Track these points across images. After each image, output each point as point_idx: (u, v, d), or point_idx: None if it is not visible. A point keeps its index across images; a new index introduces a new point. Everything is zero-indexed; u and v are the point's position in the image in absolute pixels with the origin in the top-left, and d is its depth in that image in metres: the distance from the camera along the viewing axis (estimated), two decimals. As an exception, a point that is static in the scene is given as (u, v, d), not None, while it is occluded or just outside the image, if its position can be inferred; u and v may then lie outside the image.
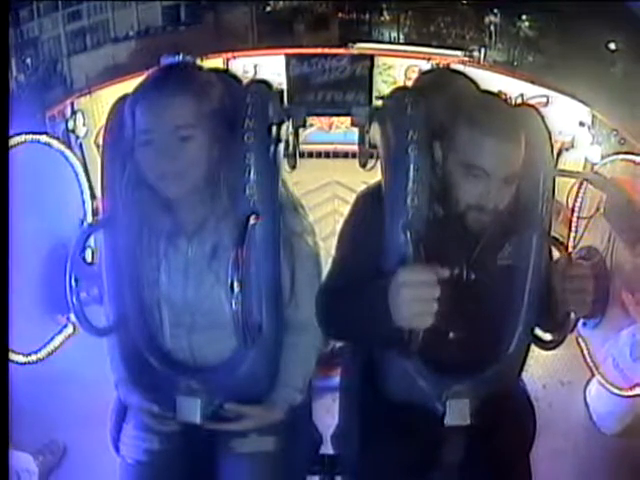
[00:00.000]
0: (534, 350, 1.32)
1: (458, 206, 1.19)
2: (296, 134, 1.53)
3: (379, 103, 1.40)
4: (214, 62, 3.80)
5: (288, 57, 1.47)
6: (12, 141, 1.74)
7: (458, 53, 3.76)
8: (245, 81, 1.28)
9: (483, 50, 3.85)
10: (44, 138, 1.88)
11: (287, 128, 1.39)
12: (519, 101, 3.46)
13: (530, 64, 3.67)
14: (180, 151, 1.12)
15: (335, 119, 3.72)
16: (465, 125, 1.17)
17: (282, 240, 1.21)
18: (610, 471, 1.95)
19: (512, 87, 3.52)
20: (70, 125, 3.16)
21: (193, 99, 1.13)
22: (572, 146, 3.37)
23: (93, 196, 1.94)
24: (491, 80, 3.55)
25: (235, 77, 1.32)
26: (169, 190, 1.15)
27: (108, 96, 3.35)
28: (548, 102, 3.38)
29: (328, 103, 1.49)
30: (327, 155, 3.84)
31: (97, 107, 3.36)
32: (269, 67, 3.82)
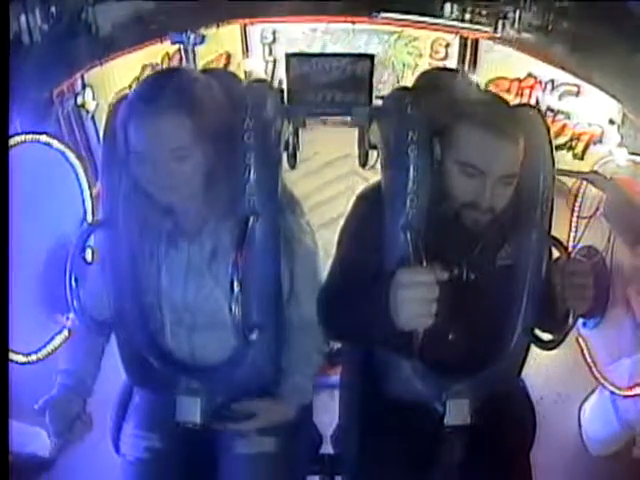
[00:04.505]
0: (535, 359, 1.32)
1: (454, 205, 1.19)
2: (296, 134, 1.54)
3: (379, 103, 1.40)
4: (232, 28, 3.72)
5: (288, 57, 1.47)
6: (12, 141, 1.74)
7: (487, 29, 3.65)
8: (244, 80, 1.28)
9: (517, 12, 3.70)
10: (44, 138, 1.87)
11: (287, 128, 1.39)
12: (549, 87, 3.37)
13: (565, 31, 3.48)
14: (177, 169, 1.11)
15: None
16: (463, 123, 1.17)
17: (282, 238, 1.21)
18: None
19: (543, 71, 3.40)
20: (79, 100, 3.14)
21: (189, 119, 1.08)
22: (600, 141, 3.29)
23: (94, 195, 1.94)
24: (521, 62, 3.45)
25: (235, 76, 1.32)
26: (167, 199, 1.15)
27: (120, 68, 3.33)
28: (579, 92, 3.28)
29: (328, 103, 1.50)
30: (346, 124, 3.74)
31: (109, 79, 3.32)
32: (288, 34, 3.74)
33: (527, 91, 3.52)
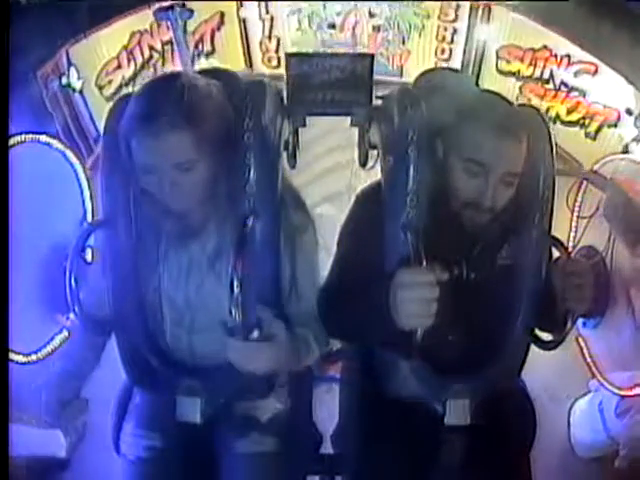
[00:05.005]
0: (532, 356, 1.32)
1: (456, 204, 1.19)
2: (296, 134, 1.54)
3: (379, 103, 1.40)
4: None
5: (288, 56, 1.47)
6: (12, 141, 1.74)
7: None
8: (244, 78, 1.28)
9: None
10: (44, 138, 1.88)
11: (287, 128, 1.39)
12: (565, 62, 3.28)
13: (581, 9, 3.29)
14: (182, 179, 1.11)
15: (359, 45, 3.47)
16: (465, 122, 1.17)
17: (283, 235, 1.21)
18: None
19: (559, 45, 3.25)
20: (64, 81, 3.07)
21: (192, 134, 1.08)
22: (615, 125, 3.19)
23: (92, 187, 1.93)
24: (536, 33, 3.28)
25: (234, 75, 1.32)
26: (171, 204, 1.15)
27: (106, 38, 3.17)
28: (597, 72, 3.14)
29: (328, 102, 1.50)
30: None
31: (95, 52, 3.16)
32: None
33: (541, 63, 3.36)
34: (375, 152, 1.45)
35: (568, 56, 3.24)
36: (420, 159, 1.16)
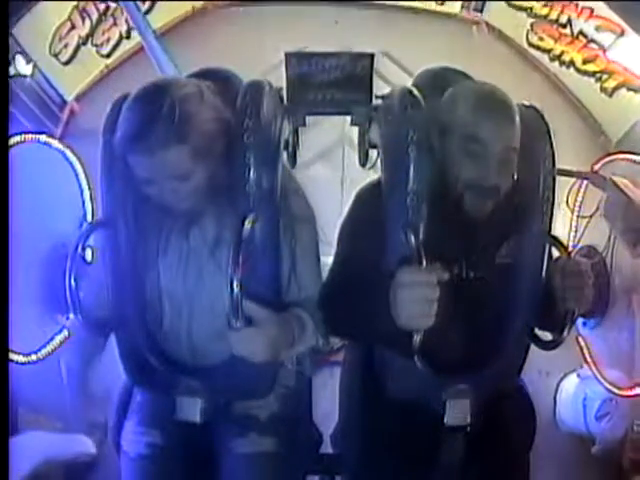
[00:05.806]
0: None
1: (457, 189, 1.19)
2: (296, 133, 1.53)
3: (379, 103, 1.40)
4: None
5: (287, 55, 1.47)
6: (12, 141, 1.74)
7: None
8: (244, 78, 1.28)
9: None
10: (43, 137, 1.88)
11: (287, 127, 1.39)
12: (586, 13, 3.02)
13: None
14: (181, 187, 1.12)
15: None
16: (461, 105, 1.20)
17: (283, 226, 1.21)
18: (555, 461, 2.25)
19: None
20: (12, 72, 2.95)
21: (187, 145, 1.09)
22: (635, 90, 3.09)
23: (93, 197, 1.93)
24: None
25: (233, 75, 1.32)
26: (172, 206, 1.16)
27: (52, 5, 2.95)
28: (623, 33, 2.96)
29: (328, 102, 1.50)
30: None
31: (43, 21, 2.94)
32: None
33: (558, 7, 3.12)
34: (375, 151, 1.45)
35: (591, 9, 3.04)
36: (420, 159, 1.16)
